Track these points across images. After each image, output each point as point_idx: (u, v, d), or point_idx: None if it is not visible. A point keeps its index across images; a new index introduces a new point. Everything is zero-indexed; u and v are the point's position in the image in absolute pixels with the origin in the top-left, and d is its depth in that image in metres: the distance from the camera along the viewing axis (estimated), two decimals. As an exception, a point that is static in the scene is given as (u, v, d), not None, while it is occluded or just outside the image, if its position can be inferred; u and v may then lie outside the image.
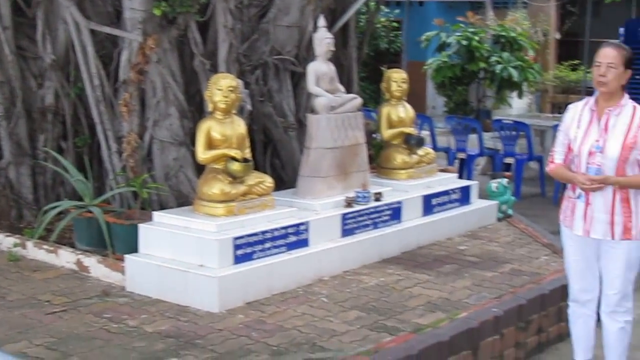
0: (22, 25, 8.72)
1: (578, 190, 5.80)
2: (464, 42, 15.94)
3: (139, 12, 7.85)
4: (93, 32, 8.16)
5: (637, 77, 17.26)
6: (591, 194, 5.72)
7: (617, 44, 5.85)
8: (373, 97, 18.55)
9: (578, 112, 5.89)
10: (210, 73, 7.90)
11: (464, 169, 13.57)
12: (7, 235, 8.08)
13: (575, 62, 21.82)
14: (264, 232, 6.91)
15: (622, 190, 5.69)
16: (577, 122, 5.84)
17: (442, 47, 16.51)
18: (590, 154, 5.70)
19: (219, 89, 7.12)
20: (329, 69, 8.18)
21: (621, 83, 5.71)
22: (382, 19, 22.19)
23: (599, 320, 6.14)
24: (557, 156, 5.97)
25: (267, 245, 6.93)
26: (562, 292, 6.75)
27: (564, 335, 6.90)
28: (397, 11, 22.26)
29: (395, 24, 22.17)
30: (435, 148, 13.26)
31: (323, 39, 8.12)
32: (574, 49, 22.58)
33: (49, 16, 8.52)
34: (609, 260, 5.86)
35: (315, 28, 8.38)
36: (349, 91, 8.81)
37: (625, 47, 5.78)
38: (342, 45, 9.75)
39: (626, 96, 5.78)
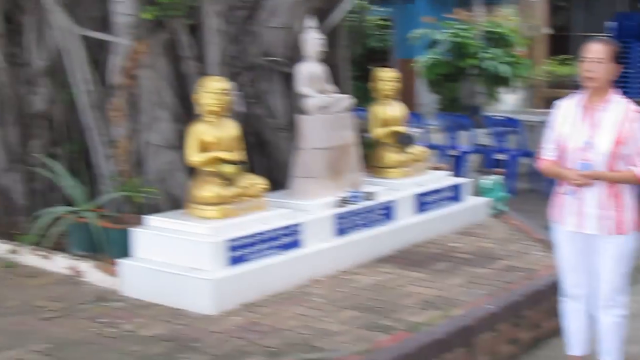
0: (13, 32, 8.73)
1: (568, 186, 5.83)
2: (454, 39, 15.95)
3: (128, 16, 7.85)
4: (83, 38, 8.17)
5: (629, 71, 17.43)
6: (582, 189, 5.75)
7: (604, 39, 5.88)
8: (365, 96, 18.52)
9: (567, 108, 5.91)
10: (200, 76, 7.90)
11: (456, 166, 13.60)
12: (2, 242, 8.10)
13: (565, 56, 21.86)
14: (257, 234, 6.93)
15: (612, 185, 5.72)
16: (566, 118, 5.86)
17: (432, 44, 16.51)
18: (580, 149, 5.73)
19: (210, 92, 7.13)
20: (319, 69, 8.20)
21: (609, 78, 5.73)
22: (372, 17, 22.18)
23: (592, 315, 6.17)
24: (547, 152, 6.00)
25: (261, 246, 6.95)
26: (555, 287, 6.77)
27: (558, 331, 6.93)
28: (386, 9, 22.27)
29: (385, 22, 22.16)
30: (427, 146, 13.27)
31: (313, 40, 8.14)
32: (564, 43, 22.63)
33: (40, 22, 8.53)
34: (601, 255, 5.88)
35: (304, 29, 8.38)
36: (339, 91, 8.81)
37: (612, 42, 5.81)
38: (332, 45, 9.73)
39: (614, 91, 5.81)
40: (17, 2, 8.76)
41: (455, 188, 9.22)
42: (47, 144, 8.77)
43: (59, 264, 7.55)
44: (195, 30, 8.35)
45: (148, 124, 8.01)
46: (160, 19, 7.90)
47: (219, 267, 6.63)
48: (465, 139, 13.88)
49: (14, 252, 7.90)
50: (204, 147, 7.12)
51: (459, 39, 15.94)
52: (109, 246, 7.32)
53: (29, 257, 7.80)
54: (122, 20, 7.91)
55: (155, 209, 7.80)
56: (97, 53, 8.43)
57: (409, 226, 8.36)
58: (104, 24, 8.45)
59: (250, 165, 8.28)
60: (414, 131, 11.39)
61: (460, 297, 6.78)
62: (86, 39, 8.24)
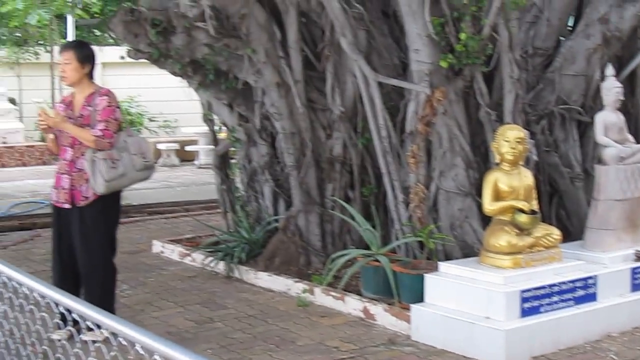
0: (312, 78, 9.08)
1: None
2: None
3: (425, 64, 7.97)
4: (380, 85, 8.35)
5: None
6: None
7: None
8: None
9: None
10: (495, 124, 7.90)
11: None
12: (296, 281, 8.39)
13: None
14: (551, 286, 6.82)
15: None
16: None
17: None
18: None
19: (506, 140, 7.10)
20: (618, 118, 7.98)
21: None
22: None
23: None
24: None
25: (555, 298, 6.83)
26: None
27: None
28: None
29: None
30: None
31: (612, 88, 7.94)
32: None
33: (338, 69, 8.82)
34: None
35: (602, 76, 8.21)
36: (637, 141, 8.56)
37: None
38: (629, 93, 9.48)
39: None
40: (315, 50, 9.10)
41: None
42: (343, 188, 9.03)
43: (351, 305, 7.72)
44: (490, 77, 8.36)
45: (442, 170, 8.08)
46: (457, 67, 7.96)
47: (512, 317, 6.57)
48: None
49: (308, 291, 8.15)
50: (499, 196, 7.10)
51: None
52: (401, 290, 7.42)
53: (323, 297, 8.03)
54: (419, 68, 8.03)
55: (447, 256, 7.85)
56: (394, 99, 8.62)
57: None
58: (401, 71, 8.65)
59: (544, 214, 8.18)
60: None
61: None
62: (383, 85, 8.42)
